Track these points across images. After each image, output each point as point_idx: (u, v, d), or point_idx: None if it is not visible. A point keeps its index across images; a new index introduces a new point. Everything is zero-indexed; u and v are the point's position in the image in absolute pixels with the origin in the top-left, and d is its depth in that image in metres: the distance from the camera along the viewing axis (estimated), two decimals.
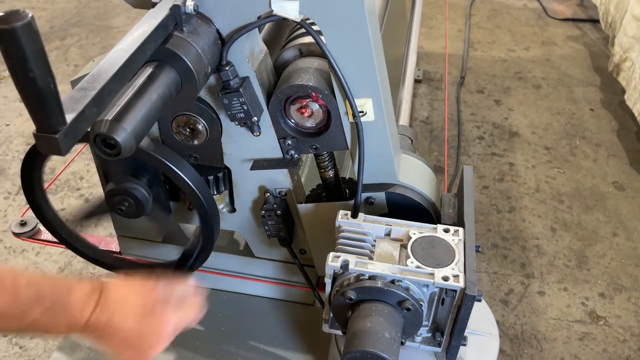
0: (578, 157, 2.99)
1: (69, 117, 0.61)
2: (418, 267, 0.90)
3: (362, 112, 0.96)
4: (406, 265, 0.91)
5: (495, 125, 3.21)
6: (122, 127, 0.71)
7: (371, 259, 0.94)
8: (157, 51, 0.81)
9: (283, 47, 1.10)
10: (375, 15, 0.92)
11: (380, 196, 1.06)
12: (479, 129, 3.19)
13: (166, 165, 0.96)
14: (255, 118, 0.97)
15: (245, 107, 0.95)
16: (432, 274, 0.89)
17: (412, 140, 1.25)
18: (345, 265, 0.91)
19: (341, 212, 1.00)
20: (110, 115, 0.72)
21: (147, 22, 0.80)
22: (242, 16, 0.89)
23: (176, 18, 0.84)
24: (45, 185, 2.54)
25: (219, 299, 1.35)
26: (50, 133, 0.59)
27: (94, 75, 0.69)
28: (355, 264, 0.91)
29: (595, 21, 3.93)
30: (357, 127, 0.96)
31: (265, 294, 1.35)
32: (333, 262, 0.91)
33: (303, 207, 1.12)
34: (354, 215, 1.00)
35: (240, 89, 0.93)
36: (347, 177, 1.18)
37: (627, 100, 2.99)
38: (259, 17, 0.90)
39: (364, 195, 1.06)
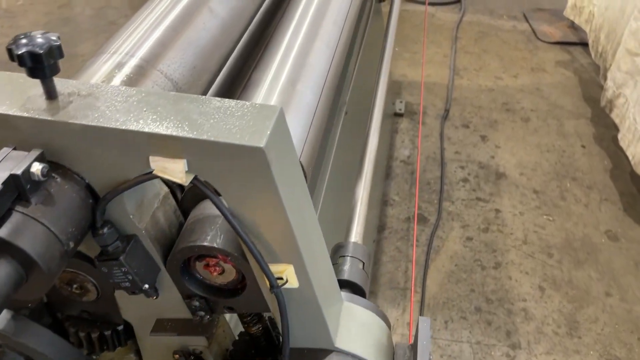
0: (569, 201, 2.80)
1: None
2: None
3: (282, 278, 0.75)
4: None
5: (481, 165, 3.01)
6: None
7: None
8: None
9: None
10: (295, 166, 0.71)
11: None
12: (464, 169, 2.99)
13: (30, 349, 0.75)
14: (146, 286, 0.77)
15: (130, 277, 0.74)
16: None
17: (364, 264, 1.05)
18: None
19: None
20: None
21: None
22: (118, 173, 0.69)
23: (18, 188, 0.63)
24: None
25: None
26: None
27: None
28: None
29: (586, 44, 3.73)
30: (276, 298, 0.76)
31: None
32: None
33: None
34: None
35: (121, 257, 0.72)
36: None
37: (620, 141, 2.79)
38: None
39: None
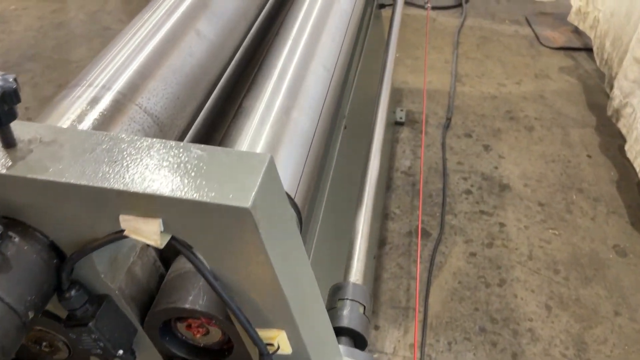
0: (575, 214, 2.71)
1: None
2: None
3: (273, 345, 0.67)
4: None
5: (484, 177, 2.93)
6: None
7: None
8: None
9: None
10: (287, 221, 0.63)
11: None
12: (467, 181, 2.90)
13: None
14: (121, 352, 0.68)
15: (101, 344, 0.66)
16: None
17: (365, 308, 0.97)
18: None
19: None
20: None
21: None
22: (86, 230, 0.60)
23: None
24: None
25: None
26: None
27: None
28: None
29: (590, 49, 3.64)
30: None
31: None
32: None
33: None
34: None
35: (90, 324, 0.64)
36: None
37: (627, 152, 2.71)
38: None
39: None
